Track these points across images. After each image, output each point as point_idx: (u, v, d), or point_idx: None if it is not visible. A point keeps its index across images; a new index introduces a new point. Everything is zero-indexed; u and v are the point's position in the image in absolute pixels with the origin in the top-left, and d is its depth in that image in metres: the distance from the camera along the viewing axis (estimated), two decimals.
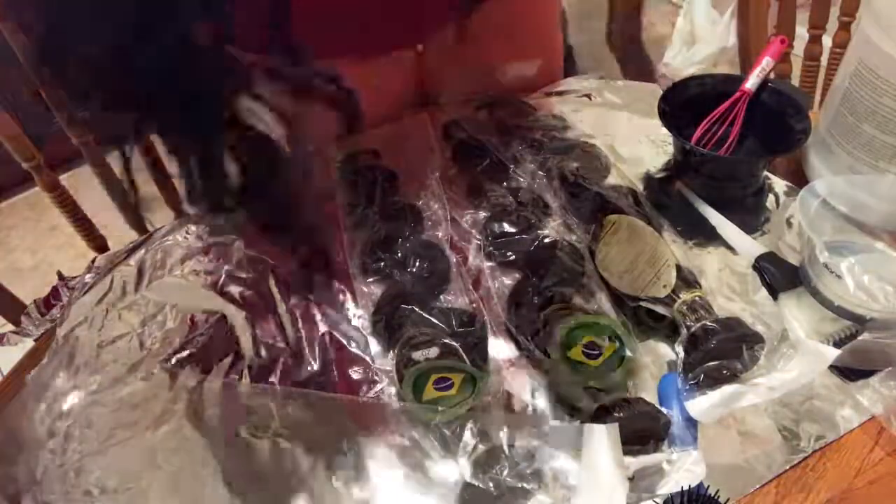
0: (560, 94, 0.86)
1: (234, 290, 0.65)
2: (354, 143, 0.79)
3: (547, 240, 0.64)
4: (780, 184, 0.72)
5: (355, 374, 0.58)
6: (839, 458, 0.51)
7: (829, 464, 0.51)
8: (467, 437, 0.51)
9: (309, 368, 0.58)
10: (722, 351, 0.54)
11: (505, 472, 0.47)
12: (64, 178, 0.87)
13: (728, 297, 0.61)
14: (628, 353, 0.55)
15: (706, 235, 0.67)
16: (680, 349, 0.56)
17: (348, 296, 0.64)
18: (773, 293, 0.61)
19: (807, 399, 0.54)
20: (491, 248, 0.66)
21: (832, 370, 0.55)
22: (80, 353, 0.62)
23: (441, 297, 0.62)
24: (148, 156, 0.91)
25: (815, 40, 0.98)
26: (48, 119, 0.83)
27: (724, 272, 0.63)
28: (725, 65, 1.88)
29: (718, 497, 0.47)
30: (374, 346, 0.60)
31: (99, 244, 0.90)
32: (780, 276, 0.61)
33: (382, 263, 0.64)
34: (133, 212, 0.92)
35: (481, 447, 0.50)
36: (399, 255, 0.65)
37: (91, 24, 0.47)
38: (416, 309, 0.59)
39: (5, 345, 0.65)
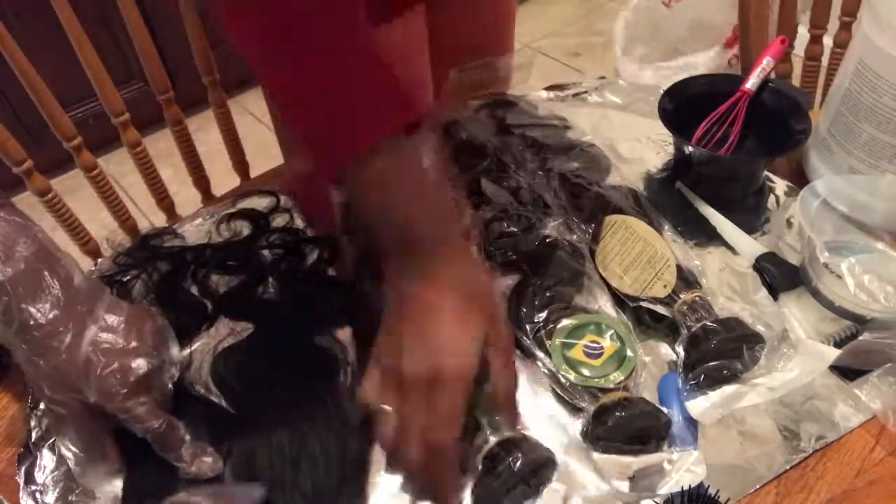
0: (560, 93, 0.86)
1: None
2: None
3: (548, 240, 0.64)
4: (780, 184, 0.72)
5: None
6: (840, 458, 0.51)
7: (829, 464, 0.51)
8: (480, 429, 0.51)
9: None
10: (722, 351, 0.54)
11: (518, 464, 0.48)
12: (59, 181, 0.87)
13: (728, 297, 0.61)
14: (629, 352, 0.55)
15: (706, 235, 0.67)
16: (680, 349, 0.56)
17: None
18: (774, 293, 0.61)
19: (807, 399, 0.54)
20: (491, 248, 0.66)
21: (832, 370, 0.55)
22: None
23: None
24: (140, 159, 0.92)
25: (815, 40, 0.98)
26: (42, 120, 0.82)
27: (724, 272, 0.63)
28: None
29: (719, 497, 0.47)
30: None
31: (91, 248, 0.90)
32: (780, 276, 0.61)
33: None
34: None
35: (493, 439, 0.50)
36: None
37: None
38: None
39: None
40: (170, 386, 0.53)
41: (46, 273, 0.47)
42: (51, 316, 0.47)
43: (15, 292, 0.46)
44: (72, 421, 0.49)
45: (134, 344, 0.49)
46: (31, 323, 0.46)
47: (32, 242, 0.48)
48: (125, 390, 0.48)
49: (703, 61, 1.76)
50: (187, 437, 0.51)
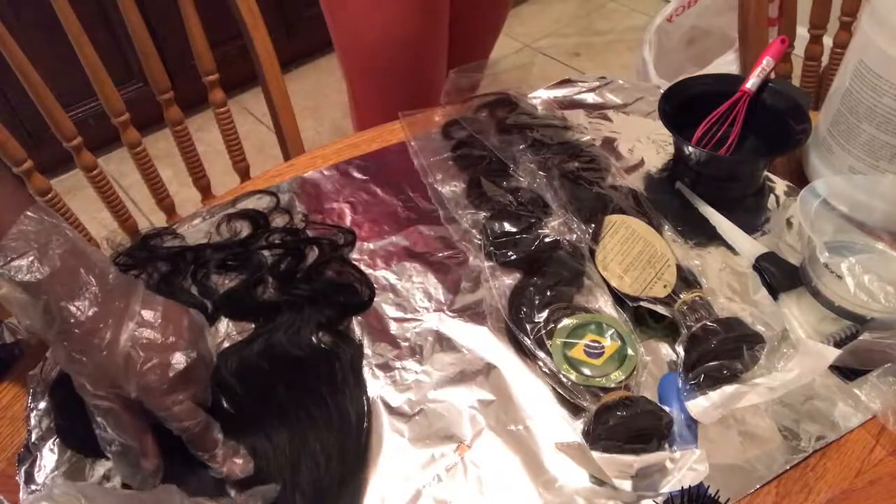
0: (560, 93, 0.86)
1: None
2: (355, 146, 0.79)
3: (547, 239, 0.64)
4: (780, 184, 0.72)
5: None
6: (839, 458, 0.51)
7: (829, 464, 0.51)
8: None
9: None
10: (722, 351, 0.54)
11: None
12: (59, 181, 0.87)
13: (728, 297, 0.61)
14: (630, 351, 0.55)
15: (706, 235, 0.67)
16: (680, 349, 0.56)
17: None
18: (774, 293, 0.61)
19: (807, 399, 0.54)
20: (491, 248, 0.66)
21: (832, 370, 0.55)
22: None
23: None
24: (140, 159, 0.92)
25: (815, 40, 0.98)
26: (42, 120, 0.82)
27: (724, 272, 0.64)
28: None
29: (718, 497, 0.47)
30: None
31: None
32: (780, 276, 0.61)
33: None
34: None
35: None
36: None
37: None
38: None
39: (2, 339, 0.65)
40: (207, 381, 0.52)
41: (82, 270, 0.47)
42: (90, 313, 0.46)
43: (53, 291, 0.45)
44: (115, 416, 0.49)
45: (172, 339, 0.49)
46: (72, 321, 0.46)
47: (65, 240, 0.47)
48: (165, 386, 0.47)
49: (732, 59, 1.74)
50: (221, 437, 0.51)
